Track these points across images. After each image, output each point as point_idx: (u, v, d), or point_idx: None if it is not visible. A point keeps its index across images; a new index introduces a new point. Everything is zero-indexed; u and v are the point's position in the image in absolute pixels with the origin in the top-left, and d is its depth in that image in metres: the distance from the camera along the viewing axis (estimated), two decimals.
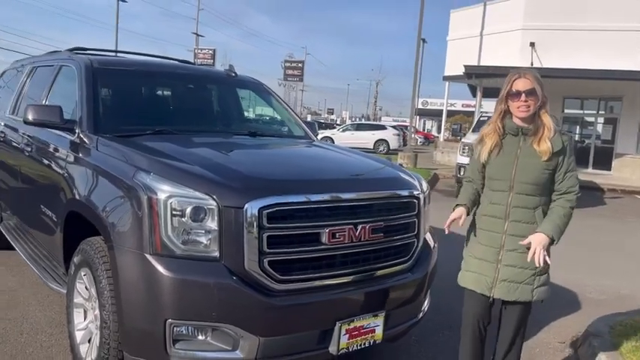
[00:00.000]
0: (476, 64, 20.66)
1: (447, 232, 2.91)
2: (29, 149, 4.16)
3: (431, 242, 3.52)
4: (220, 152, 3.16)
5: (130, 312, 2.60)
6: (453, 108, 53.78)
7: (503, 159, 2.83)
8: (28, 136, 4.25)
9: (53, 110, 3.56)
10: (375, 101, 70.36)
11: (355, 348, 2.87)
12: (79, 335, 3.10)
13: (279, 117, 4.77)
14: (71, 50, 4.58)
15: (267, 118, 4.98)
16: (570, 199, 2.79)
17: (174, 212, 2.55)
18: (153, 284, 2.52)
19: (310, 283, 2.74)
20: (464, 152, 12.60)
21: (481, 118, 14.21)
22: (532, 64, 18.67)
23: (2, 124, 5.02)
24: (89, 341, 3.00)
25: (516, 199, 2.80)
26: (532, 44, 19.17)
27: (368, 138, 29.41)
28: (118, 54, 4.99)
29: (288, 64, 67.29)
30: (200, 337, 2.58)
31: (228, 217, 2.56)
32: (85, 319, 3.10)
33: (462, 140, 14.07)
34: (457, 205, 2.96)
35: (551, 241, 2.72)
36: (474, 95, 23.99)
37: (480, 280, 2.87)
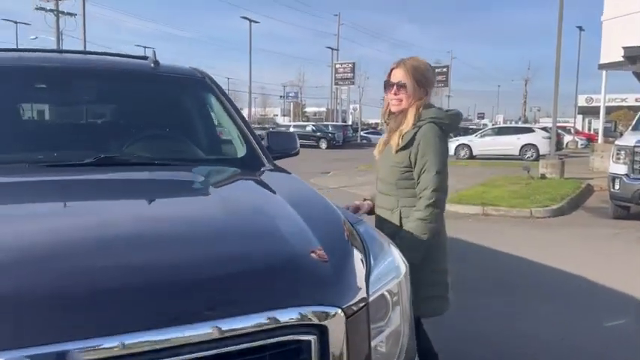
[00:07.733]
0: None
1: None
2: None
3: None
4: None
5: None
6: (625, 103, 46.10)
7: (381, 155, 2.69)
8: None
9: None
10: (525, 101, 64.10)
11: None
12: None
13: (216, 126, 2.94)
14: None
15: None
16: (419, 207, 2.41)
17: None
18: None
19: None
20: (619, 158, 9.18)
21: None
22: None
23: None
24: None
25: (379, 198, 2.67)
26: None
27: (512, 143, 25.76)
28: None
29: None
30: None
31: None
32: None
33: (616, 142, 9.86)
34: None
35: None
36: None
37: None
